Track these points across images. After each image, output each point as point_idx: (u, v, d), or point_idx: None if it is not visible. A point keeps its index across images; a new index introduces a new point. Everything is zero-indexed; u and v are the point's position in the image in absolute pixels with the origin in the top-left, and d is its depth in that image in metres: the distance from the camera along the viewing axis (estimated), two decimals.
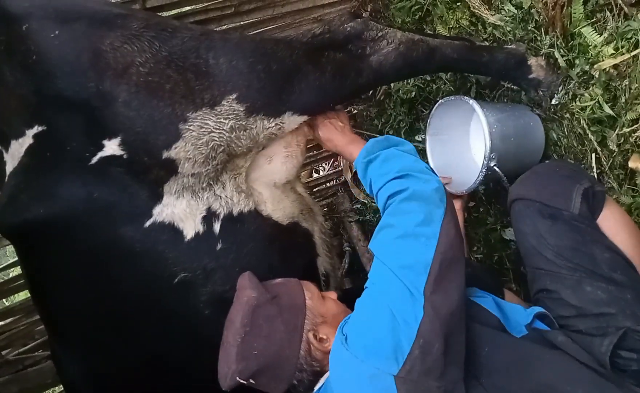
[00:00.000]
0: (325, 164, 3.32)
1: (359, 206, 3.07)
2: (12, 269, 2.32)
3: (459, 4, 2.23)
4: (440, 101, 2.00)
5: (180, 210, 1.49)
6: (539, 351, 1.35)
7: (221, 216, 1.55)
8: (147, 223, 1.45)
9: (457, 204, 1.96)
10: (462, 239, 1.40)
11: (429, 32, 2.36)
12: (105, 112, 1.36)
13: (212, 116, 1.45)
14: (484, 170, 1.83)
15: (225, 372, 1.38)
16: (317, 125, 1.75)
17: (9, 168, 1.42)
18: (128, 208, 1.43)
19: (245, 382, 1.36)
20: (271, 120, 1.55)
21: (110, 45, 1.36)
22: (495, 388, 1.28)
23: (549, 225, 1.48)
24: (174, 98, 1.40)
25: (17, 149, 1.39)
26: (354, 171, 3.01)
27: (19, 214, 1.38)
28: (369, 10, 2.63)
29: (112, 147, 1.38)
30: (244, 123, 1.50)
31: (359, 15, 1.88)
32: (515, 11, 2.01)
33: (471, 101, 1.86)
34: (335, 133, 1.72)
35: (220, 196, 1.56)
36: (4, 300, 2.29)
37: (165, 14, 1.98)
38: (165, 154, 1.41)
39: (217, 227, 1.54)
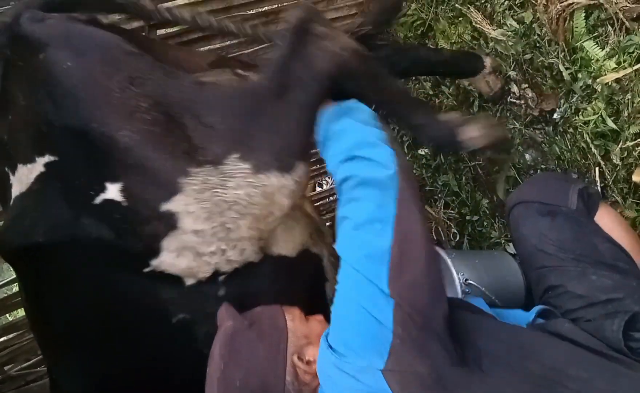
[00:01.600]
0: (329, 177, 3.32)
1: None
2: (14, 284, 2.31)
3: (461, 19, 2.24)
4: None
5: (180, 269, 1.42)
6: (543, 338, 1.32)
7: (228, 272, 1.47)
8: (145, 270, 1.40)
9: None
10: (420, 205, 1.29)
11: (431, 46, 2.38)
12: (109, 155, 1.34)
13: (216, 173, 1.38)
14: (463, 292, 1.89)
15: None
16: None
17: (15, 191, 1.42)
18: (124, 253, 1.39)
19: None
20: (286, 175, 1.44)
21: (117, 84, 1.34)
22: (498, 375, 1.22)
23: (549, 221, 1.49)
24: (176, 152, 1.36)
25: (26, 174, 1.39)
26: None
27: (21, 237, 1.37)
28: None
29: (113, 191, 1.35)
30: (253, 180, 1.41)
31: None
32: (518, 26, 2.02)
33: (442, 253, 1.98)
34: None
35: (232, 260, 1.46)
36: (7, 315, 2.28)
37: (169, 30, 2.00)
38: (163, 207, 1.36)
39: (221, 278, 1.47)
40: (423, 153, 2.57)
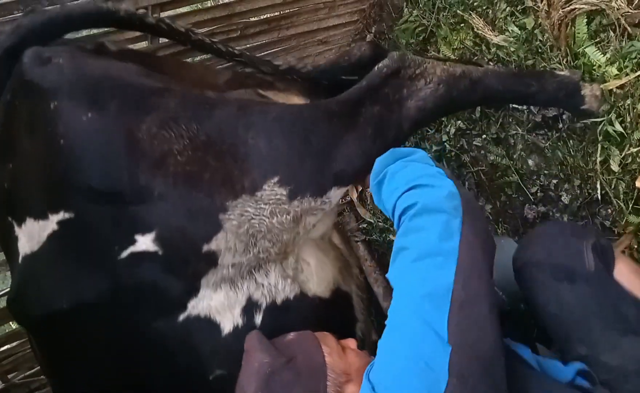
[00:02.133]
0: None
1: (365, 225, 3.06)
2: None
3: (462, 25, 2.24)
4: None
5: (217, 303, 1.37)
6: None
7: (263, 306, 1.43)
8: (181, 318, 1.35)
9: None
10: (488, 242, 1.23)
11: (433, 53, 2.38)
12: (140, 207, 1.26)
13: (252, 202, 1.33)
14: None
15: None
16: None
17: (23, 246, 1.32)
18: (160, 303, 1.32)
19: None
20: (317, 199, 1.42)
21: (146, 131, 1.25)
22: None
23: (568, 288, 1.37)
24: (213, 187, 1.30)
25: (37, 231, 1.28)
26: (359, 190, 3.01)
27: (41, 307, 1.29)
28: (373, 31, 2.65)
29: (145, 242, 1.27)
30: (287, 207, 1.37)
31: (378, 44, 1.78)
32: (519, 32, 2.02)
33: None
34: None
35: (263, 284, 1.44)
36: (10, 323, 2.27)
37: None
38: (205, 248, 1.31)
39: (258, 319, 1.42)
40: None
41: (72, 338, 1.36)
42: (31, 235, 1.30)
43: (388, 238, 2.91)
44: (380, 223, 2.93)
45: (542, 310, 1.42)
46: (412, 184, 1.26)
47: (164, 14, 1.85)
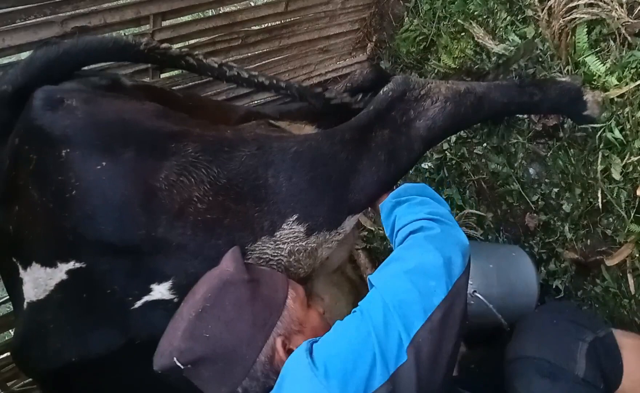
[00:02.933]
0: None
1: (365, 233, 3.06)
2: None
3: (463, 34, 2.25)
4: None
5: None
6: None
7: None
8: None
9: None
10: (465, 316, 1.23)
11: (434, 62, 2.38)
12: (156, 258, 1.21)
13: (272, 243, 1.31)
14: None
15: (163, 349, 1.15)
16: None
17: (28, 291, 1.27)
18: None
19: (181, 367, 1.13)
20: (332, 232, 1.41)
21: (165, 180, 1.20)
22: None
23: (548, 386, 1.32)
24: (233, 232, 1.26)
25: (44, 278, 1.23)
26: None
27: (48, 360, 1.25)
28: (374, 40, 2.66)
29: (160, 291, 1.23)
30: (304, 244, 1.35)
31: (380, 68, 1.78)
32: (520, 41, 2.02)
33: None
34: None
35: None
36: (10, 331, 2.27)
37: (174, 46, 2.01)
38: None
39: None
40: (426, 166, 2.57)
41: (83, 387, 1.33)
42: (37, 282, 1.25)
43: (389, 246, 2.90)
44: (381, 231, 2.93)
45: None
46: (436, 217, 1.28)
47: (165, 23, 1.87)
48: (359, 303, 1.17)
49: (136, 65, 1.80)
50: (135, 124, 1.24)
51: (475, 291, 1.75)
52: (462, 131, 2.35)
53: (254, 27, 2.17)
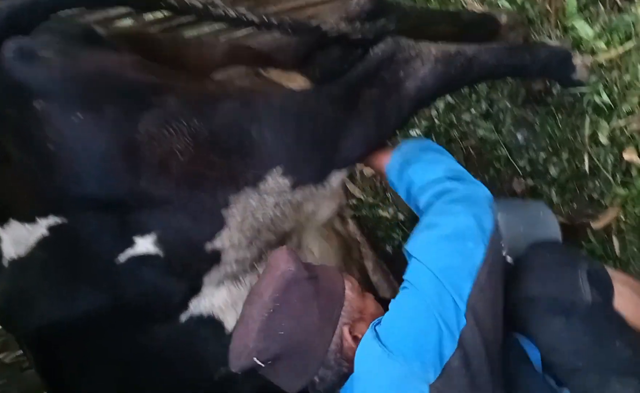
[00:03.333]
0: None
1: (354, 201, 3.07)
2: None
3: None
4: None
5: (220, 300, 1.35)
6: None
7: None
8: (183, 319, 1.32)
9: None
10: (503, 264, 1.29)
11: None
12: (140, 209, 1.20)
13: (256, 195, 1.30)
14: None
15: (240, 350, 1.19)
16: None
17: (7, 249, 1.24)
18: (161, 305, 1.29)
19: (262, 365, 1.18)
20: (318, 186, 1.41)
21: (145, 132, 1.17)
22: None
23: (563, 322, 1.33)
24: (217, 185, 1.26)
25: (25, 235, 1.21)
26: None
27: (34, 319, 1.24)
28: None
29: (145, 245, 1.22)
30: (289, 197, 1.35)
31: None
32: (509, 6, 2.02)
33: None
34: None
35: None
36: None
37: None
38: (209, 247, 1.27)
39: None
40: (415, 133, 2.57)
41: (69, 350, 1.32)
42: (17, 239, 1.22)
43: (377, 214, 2.92)
44: (370, 199, 2.94)
45: (537, 343, 1.39)
46: (454, 175, 1.31)
47: None
48: (404, 278, 1.22)
49: (114, 8, 1.68)
50: (115, 77, 1.20)
51: (506, 254, 1.73)
52: (450, 98, 2.35)
53: None
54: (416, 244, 1.24)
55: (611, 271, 1.46)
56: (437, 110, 2.42)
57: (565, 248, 1.60)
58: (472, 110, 2.29)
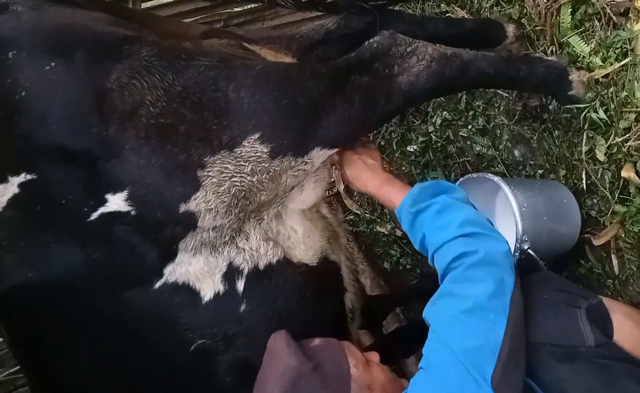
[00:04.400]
0: None
1: (352, 217, 3.06)
2: None
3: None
4: (460, 179, 1.90)
5: (196, 268, 1.32)
6: None
7: (245, 271, 1.37)
8: (157, 285, 1.28)
9: None
10: (522, 302, 1.25)
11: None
12: (110, 162, 1.18)
13: (232, 159, 1.28)
14: (516, 254, 1.69)
15: None
16: (344, 161, 1.57)
17: None
18: (135, 269, 1.26)
19: None
20: (298, 159, 1.38)
21: (116, 81, 1.17)
22: None
23: (569, 369, 1.30)
24: (190, 142, 1.23)
25: None
26: (346, 183, 2.99)
27: (7, 278, 1.21)
28: None
29: (116, 202, 1.20)
30: (267, 166, 1.33)
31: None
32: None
33: (497, 179, 1.74)
34: (364, 171, 1.53)
35: (244, 249, 1.38)
36: None
37: None
38: (182, 208, 1.24)
39: (240, 285, 1.36)
40: (412, 149, 2.57)
41: (40, 312, 1.29)
42: None
43: (375, 230, 2.90)
44: (367, 215, 2.93)
45: (546, 389, 1.34)
46: (470, 231, 1.24)
47: (145, 5, 1.83)
48: (423, 352, 1.18)
49: None
50: (86, 28, 1.22)
51: (528, 248, 1.68)
52: (447, 113, 2.34)
53: (236, 9, 2.13)
54: (435, 315, 1.21)
55: (608, 302, 1.43)
56: (434, 125, 2.41)
57: (564, 283, 1.54)
58: (469, 126, 2.28)
